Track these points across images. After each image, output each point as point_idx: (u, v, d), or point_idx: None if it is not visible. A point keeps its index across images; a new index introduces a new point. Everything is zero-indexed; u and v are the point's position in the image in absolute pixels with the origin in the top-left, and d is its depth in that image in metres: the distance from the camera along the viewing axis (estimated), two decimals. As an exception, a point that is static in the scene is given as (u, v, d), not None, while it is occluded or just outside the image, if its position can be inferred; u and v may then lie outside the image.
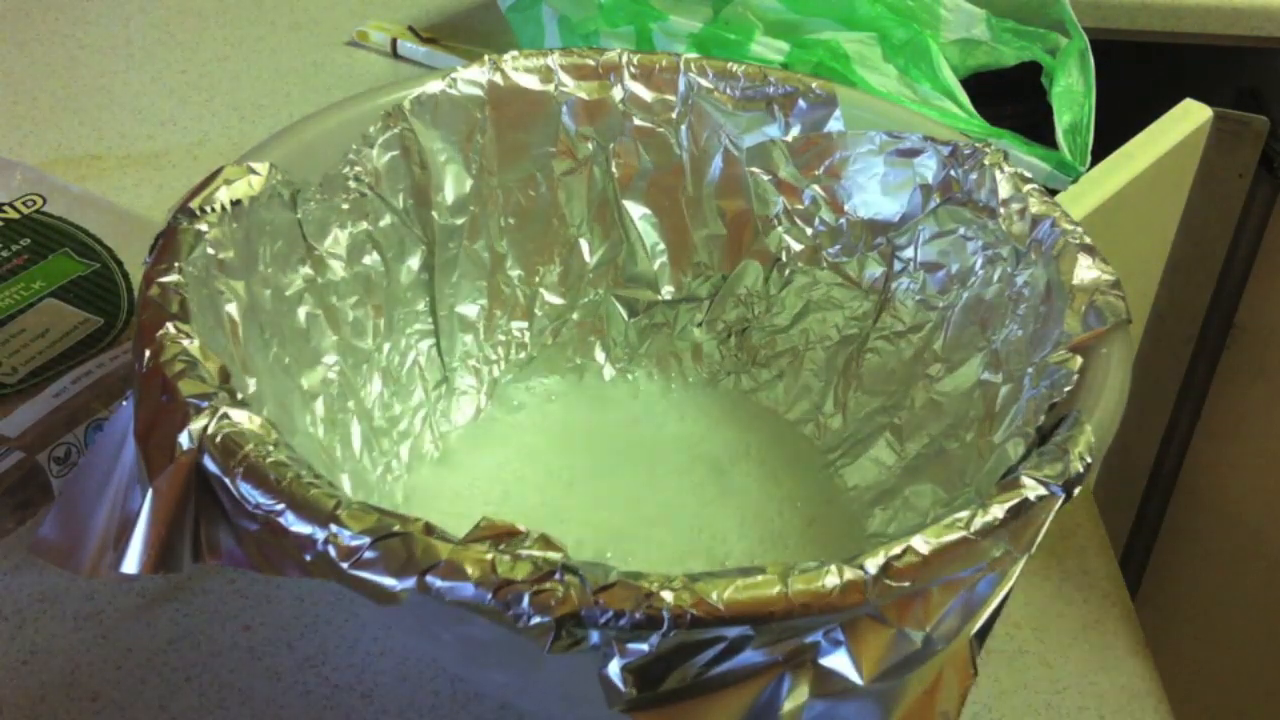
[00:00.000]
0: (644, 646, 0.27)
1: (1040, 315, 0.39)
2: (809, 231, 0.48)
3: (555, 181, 0.49)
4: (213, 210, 0.37)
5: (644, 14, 0.64)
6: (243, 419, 0.30)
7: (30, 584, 0.43)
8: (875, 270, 0.47)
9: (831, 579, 0.27)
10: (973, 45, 0.67)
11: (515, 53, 0.47)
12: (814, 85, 0.47)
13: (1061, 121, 0.61)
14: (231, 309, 0.37)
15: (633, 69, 0.48)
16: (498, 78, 0.47)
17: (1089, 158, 0.61)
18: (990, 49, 0.67)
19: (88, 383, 0.45)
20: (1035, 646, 0.43)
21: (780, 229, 0.49)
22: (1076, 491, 0.31)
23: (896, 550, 0.28)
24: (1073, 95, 0.62)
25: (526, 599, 0.26)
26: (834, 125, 0.47)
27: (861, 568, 0.28)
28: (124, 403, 0.33)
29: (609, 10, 0.64)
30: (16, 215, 0.52)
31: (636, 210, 0.50)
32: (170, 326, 0.33)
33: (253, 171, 0.39)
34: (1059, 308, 0.38)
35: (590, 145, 0.49)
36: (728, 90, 0.48)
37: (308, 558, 0.28)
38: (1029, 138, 0.61)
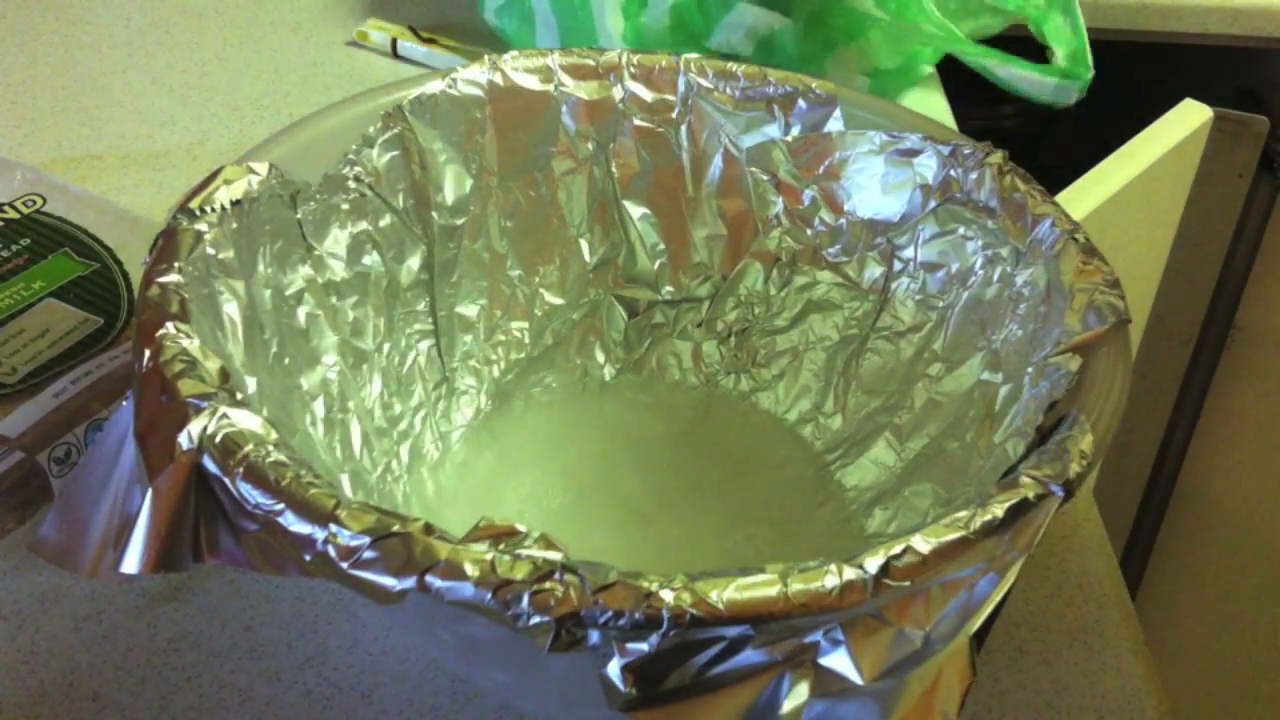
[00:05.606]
0: (644, 646, 0.27)
1: (1040, 315, 0.39)
2: (809, 232, 0.48)
3: (555, 181, 0.49)
4: (213, 210, 0.37)
5: None
6: (243, 419, 0.30)
7: (30, 584, 0.43)
8: (875, 270, 0.47)
9: (831, 579, 0.27)
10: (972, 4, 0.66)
11: (515, 53, 0.47)
12: (814, 85, 0.47)
13: (1059, 53, 0.61)
14: (231, 309, 0.37)
15: (633, 69, 0.48)
16: (498, 78, 0.47)
17: (1090, 65, 0.60)
18: (988, 7, 0.66)
19: (88, 383, 0.45)
20: (1035, 646, 0.43)
21: (780, 229, 0.49)
22: (1076, 491, 0.31)
23: (896, 550, 0.28)
24: (1063, 33, 0.62)
25: (526, 599, 0.26)
26: (834, 125, 0.47)
27: (861, 568, 0.28)
28: (124, 403, 0.33)
29: None
30: (16, 215, 0.52)
31: (636, 210, 0.50)
32: (170, 326, 0.33)
33: (253, 171, 0.39)
34: (1059, 308, 0.38)
35: (590, 145, 0.48)
36: (727, 90, 0.48)
37: (308, 558, 0.28)
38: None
